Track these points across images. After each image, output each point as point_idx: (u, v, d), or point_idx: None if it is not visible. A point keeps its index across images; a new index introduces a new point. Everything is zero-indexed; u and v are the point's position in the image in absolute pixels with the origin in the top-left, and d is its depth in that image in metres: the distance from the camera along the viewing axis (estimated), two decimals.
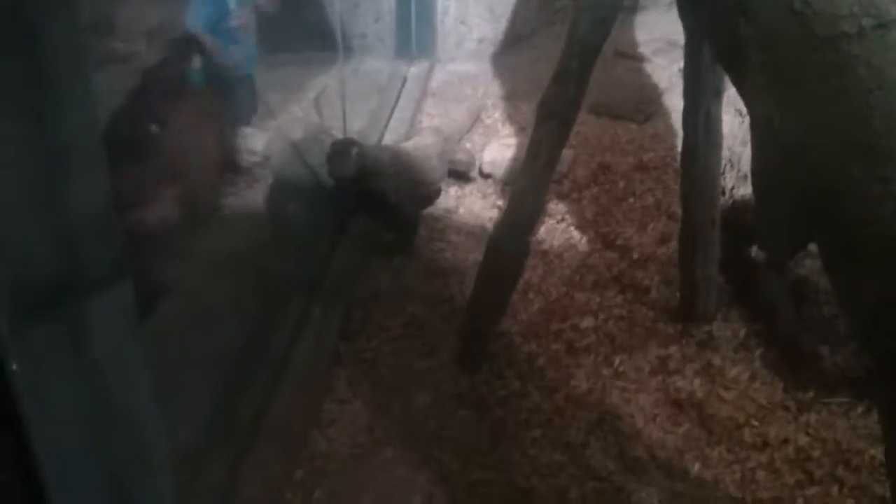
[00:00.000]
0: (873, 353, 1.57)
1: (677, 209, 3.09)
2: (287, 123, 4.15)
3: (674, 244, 3.24)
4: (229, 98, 3.81)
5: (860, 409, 2.60)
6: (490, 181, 4.19)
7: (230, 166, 3.67)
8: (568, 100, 2.41)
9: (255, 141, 3.80)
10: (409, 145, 3.78)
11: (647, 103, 4.85)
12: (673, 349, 2.88)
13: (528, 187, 2.54)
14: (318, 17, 5.02)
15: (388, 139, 4.43)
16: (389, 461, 2.48)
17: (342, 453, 2.53)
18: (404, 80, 5.48)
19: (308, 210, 3.58)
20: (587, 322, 3.06)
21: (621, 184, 4.05)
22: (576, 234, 3.69)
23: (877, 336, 1.53)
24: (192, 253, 2.93)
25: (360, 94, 4.83)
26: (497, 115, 5.03)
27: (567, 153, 4.07)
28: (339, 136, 3.71)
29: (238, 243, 3.21)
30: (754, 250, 3.00)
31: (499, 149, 4.35)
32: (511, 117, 4.95)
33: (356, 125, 4.33)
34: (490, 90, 5.41)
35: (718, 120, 2.72)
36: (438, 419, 2.64)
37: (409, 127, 4.68)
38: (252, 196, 3.61)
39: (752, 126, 1.84)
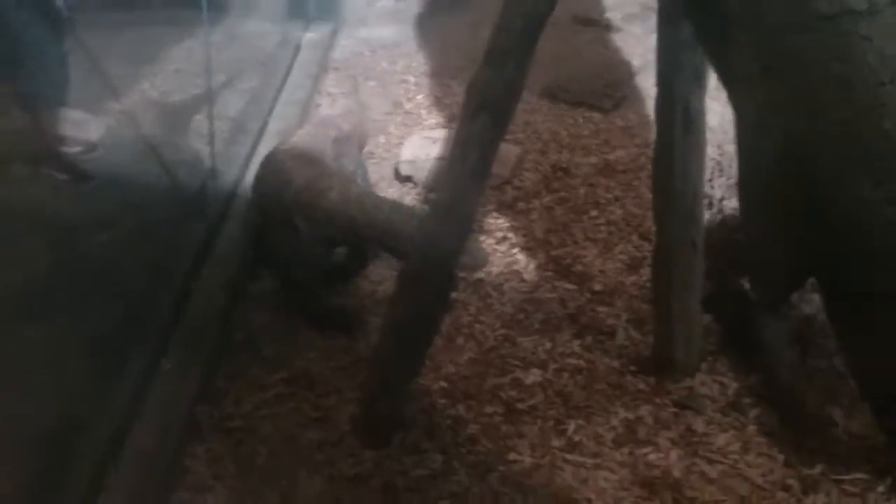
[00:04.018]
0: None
1: (652, 226, 2.64)
2: (135, 108, 3.49)
3: (647, 272, 2.82)
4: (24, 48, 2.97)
5: (881, 489, 2.15)
6: (410, 187, 3.55)
7: (46, 157, 3.02)
8: (505, 84, 1.91)
9: (87, 128, 3.14)
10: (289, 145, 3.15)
11: (616, 86, 4.25)
12: (644, 411, 2.42)
13: (453, 198, 2.05)
14: None
15: (273, 129, 3.80)
16: None
17: None
18: (297, 49, 4.60)
19: (156, 225, 2.92)
20: (533, 376, 2.55)
21: (581, 191, 3.48)
22: (521, 257, 3.13)
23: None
24: None
25: (236, 68, 3.99)
26: (421, 97, 4.26)
27: (511, 150, 3.60)
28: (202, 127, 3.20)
29: (53, 262, 2.56)
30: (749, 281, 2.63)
31: (422, 144, 3.63)
32: (439, 101, 4.21)
33: (228, 110, 3.69)
34: (413, 64, 4.64)
35: (701, 113, 2.25)
36: None
37: (301, 112, 3.99)
38: (78, 197, 2.99)
39: (738, 124, 1.58)
